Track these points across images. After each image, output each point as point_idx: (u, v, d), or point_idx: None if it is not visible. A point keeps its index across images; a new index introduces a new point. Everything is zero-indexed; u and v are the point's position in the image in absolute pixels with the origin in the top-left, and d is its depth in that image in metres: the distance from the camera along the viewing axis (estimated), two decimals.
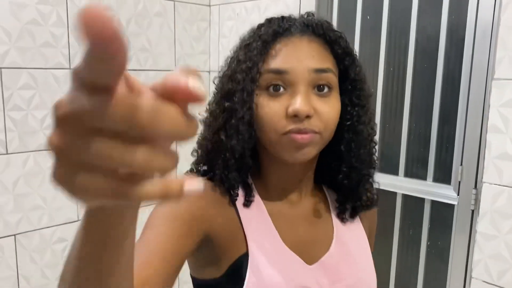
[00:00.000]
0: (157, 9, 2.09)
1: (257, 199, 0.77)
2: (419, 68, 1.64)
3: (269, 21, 0.75)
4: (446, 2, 1.54)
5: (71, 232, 1.92)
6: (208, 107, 0.77)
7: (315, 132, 0.68)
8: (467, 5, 1.47)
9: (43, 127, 1.78)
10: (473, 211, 1.51)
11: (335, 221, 0.82)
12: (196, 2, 2.24)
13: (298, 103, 0.66)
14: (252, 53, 0.70)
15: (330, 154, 0.78)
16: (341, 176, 0.78)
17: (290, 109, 0.66)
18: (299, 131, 0.67)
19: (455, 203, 1.56)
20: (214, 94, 0.76)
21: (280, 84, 0.68)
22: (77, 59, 1.85)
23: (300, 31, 0.71)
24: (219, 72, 0.79)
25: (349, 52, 0.74)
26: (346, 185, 0.79)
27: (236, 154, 0.70)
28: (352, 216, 0.83)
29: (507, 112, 1.36)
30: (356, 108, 0.75)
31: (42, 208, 1.82)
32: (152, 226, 0.65)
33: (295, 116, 0.66)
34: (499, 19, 1.37)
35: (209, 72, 2.34)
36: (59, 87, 1.82)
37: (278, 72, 0.68)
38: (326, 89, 0.69)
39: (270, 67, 0.68)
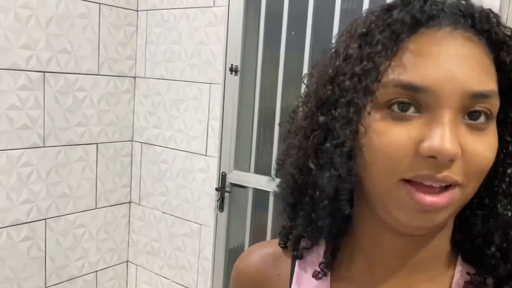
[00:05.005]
0: (81, 11, 2.01)
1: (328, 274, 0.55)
2: None
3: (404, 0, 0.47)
4: None
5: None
6: (293, 116, 0.55)
7: (456, 185, 0.43)
8: None
9: None
10: None
11: None
12: (123, 6, 2.18)
13: (440, 139, 0.41)
14: (374, 49, 0.45)
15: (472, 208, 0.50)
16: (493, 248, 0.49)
17: (426, 146, 0.41)
18: (432, 178, 0.42)
19: None
20: (304, 100, 0.53)
21: (411, 102, 0.43)
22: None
23: (453, 22, 0.45)
24: (313, 67, 0.54)
25: None
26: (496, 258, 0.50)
27: (329, 193, 0.47)
28: None
29: None
30: None
31: None
32: None
33: (431, 157, 0.42)
34: None
35: (134, 78, 2.28)
36: None
37: (413, 89, 0.42)
38: (482, 118, 0.44)
39: (400, 78, 0.43)
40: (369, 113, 0.45)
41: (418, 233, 0.47)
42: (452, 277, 0.51)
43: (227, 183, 2.02)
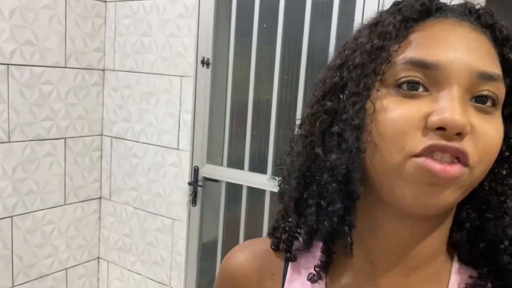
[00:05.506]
0: (46, 2, 1.94)
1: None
2: (310, 77, 1.72)
3: None
4: (335, 16, 1.64)
5: None
6: (304, 113, 0.54)
7: (465, 164, 0.42)
8: (353, 20, 1.58)
9: None
10: None
11: None
12: None
13: (451, 110, 0.41)
14: (384, 28, 0.46)
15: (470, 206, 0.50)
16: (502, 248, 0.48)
17: (436, 117, 0.41)
18: (443, 149, 0.42)
19: None
20: (313, 95, 0.53)
21: (421, 82, 0.44)
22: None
23: (459, 14, 0.47)
24: (326, 67, 0.53)
25: None
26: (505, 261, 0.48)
27: (339, 176, 0.46)
28: None
29: None
30: None
31: None
32: None
33: (439, 129, 0.42)
34: None
35: (103, 70, 2.23)
36: None
37: (422, 65, 0.43)
38: (489, 103, 0.44)
39: (411, 55, 0.44)
40: (378, 90, 0.45)
41: (424, 214, 0.45)
42: (449, 277, 0.51)
43: (199, 177, 2.00)
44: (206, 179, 2.01)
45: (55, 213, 2.12)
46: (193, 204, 2.02)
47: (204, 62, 1.91)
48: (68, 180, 2.15)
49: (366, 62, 0.46)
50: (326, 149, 0.48)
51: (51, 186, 2.08)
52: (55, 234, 2.14)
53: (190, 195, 2.01)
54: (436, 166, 0.41)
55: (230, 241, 1.98)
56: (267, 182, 1.78)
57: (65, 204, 2.16)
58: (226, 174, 1.95)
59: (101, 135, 2.27)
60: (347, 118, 0.46)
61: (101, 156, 2.29)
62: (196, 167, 1.99)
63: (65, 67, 2.06)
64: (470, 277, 0.50)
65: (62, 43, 2.03)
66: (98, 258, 2.38)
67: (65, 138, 2.10)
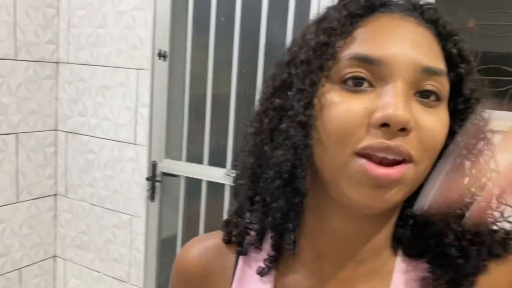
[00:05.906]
0: None
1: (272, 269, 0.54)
2: (268, 71, 1.71)
3: None
4: (291, 9, 1.64)
5: None
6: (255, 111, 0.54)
7: (409, 160, 0.43)
8: (309, 14, 1.59)
9: None
10: None
11: None
12: None
13: (394, 106, 0.41)
14: (330, 24, 0.47)
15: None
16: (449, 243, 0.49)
17: (379, 114, 0.42)
18: (386, 149, 0.42)
19: None
20: (263, 92, 0.53)
21: (366, 77, 0.44)
22: None
23: (404, 10, 0.48)
24: (275, 64, 0.54)
25: (465, 56, 0.48)
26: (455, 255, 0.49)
27: (283, 172, 0.47)
28: None
29: None
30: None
31: None
32: None
33: (383, 126, 0.42)
34: None
35: (57, 63, 2.15)
36: None
37: (367, 61, 0.44)
38: (433, 97, 0.45)
39: (356, 51, 0.44)
40: (323, 86, 0.45)
41: (369, 212, 0.46)
42: (393, 270, 0.51)
43: (158, 172, 1.97)
44: (164, 174, 1.98)
45: (6, 211, 2.04)
46: (152, 200, 1.99)
47: (161, 55, 1.88)
48: (21, 177, 2.07)
49: (312, 58, 0.46)
50: (273, 146, 0.48)
51: (1, 184, 2.00)
52: (7, 233, 2.06)
53: (148, 190, 1.98)
54: (376, 170, 0.42)
55: (190, 236, 1.94)
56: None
57: (17, 202, 2.08)
58: (185, 168, 1.93)
59: (56, 130, 2.20)
60: (292, 115, 0.46)
61: (55, 152, 2.22)
62: (154, 162, 1.96)
63: (15, 60, 1.98)
64: (415, 269, 0.51)
65: (11, 35, 1.95)
66: (55, 256, 2.31)
67: (16, 134, 2.02)
